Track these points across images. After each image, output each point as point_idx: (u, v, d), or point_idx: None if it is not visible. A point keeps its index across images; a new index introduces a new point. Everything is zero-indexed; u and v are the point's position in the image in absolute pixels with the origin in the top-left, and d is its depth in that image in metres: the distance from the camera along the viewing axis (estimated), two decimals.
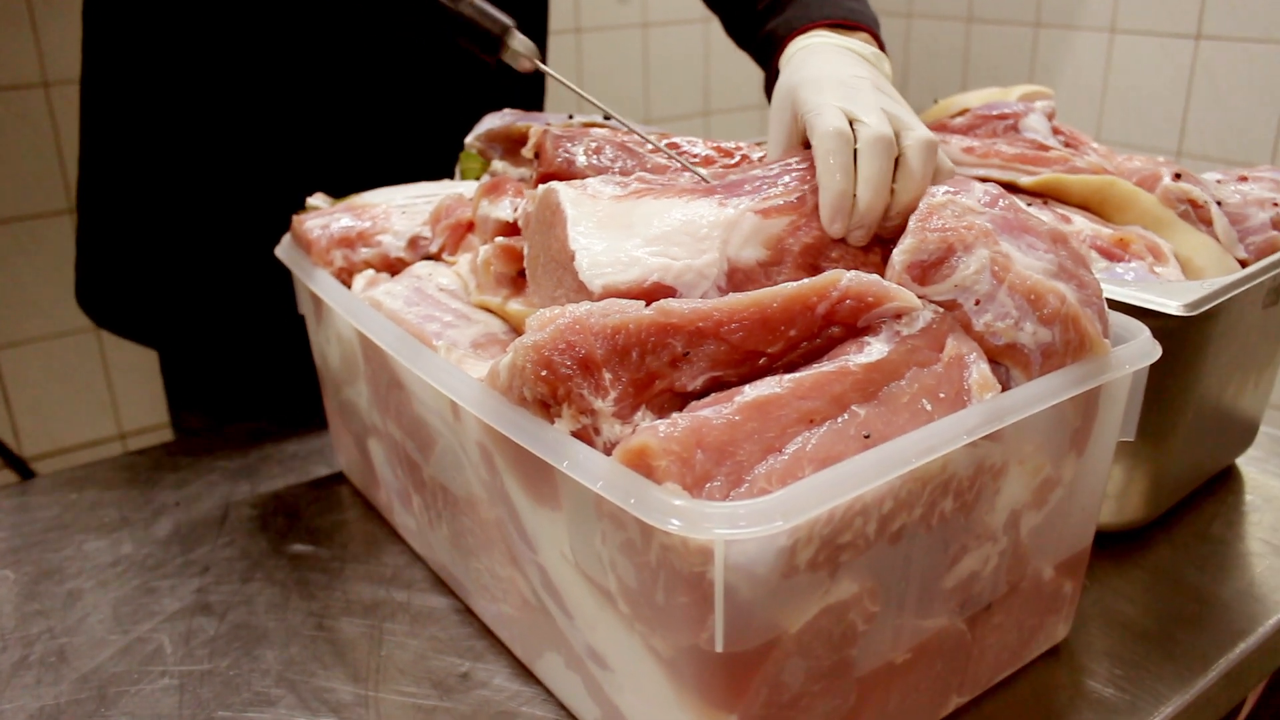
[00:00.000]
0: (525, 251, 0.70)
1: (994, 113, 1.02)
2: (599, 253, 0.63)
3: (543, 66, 0.83)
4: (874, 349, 0.59)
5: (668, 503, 0.50)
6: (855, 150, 0.68)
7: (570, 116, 0.92)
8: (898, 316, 0.61)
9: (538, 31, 1.19)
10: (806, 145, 0.73)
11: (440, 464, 0.76)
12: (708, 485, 0.51)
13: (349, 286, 0.87)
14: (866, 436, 0.55)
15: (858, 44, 0.86)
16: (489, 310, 0.80)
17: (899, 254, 0.63)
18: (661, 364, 0.58)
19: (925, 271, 0.62)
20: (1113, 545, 0.86)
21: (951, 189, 0.67)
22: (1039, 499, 0.66)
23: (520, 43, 0.82)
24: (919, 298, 0.62)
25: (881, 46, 0.91)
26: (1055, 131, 1.01)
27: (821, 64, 0.78)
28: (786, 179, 0.69)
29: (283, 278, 0.96)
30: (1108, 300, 0.67)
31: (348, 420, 0.94)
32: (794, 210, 0.68)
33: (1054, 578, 0.71)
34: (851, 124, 0.69)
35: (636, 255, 0.64)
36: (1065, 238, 0.68)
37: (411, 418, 0.77)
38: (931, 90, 2.46)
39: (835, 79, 0.74)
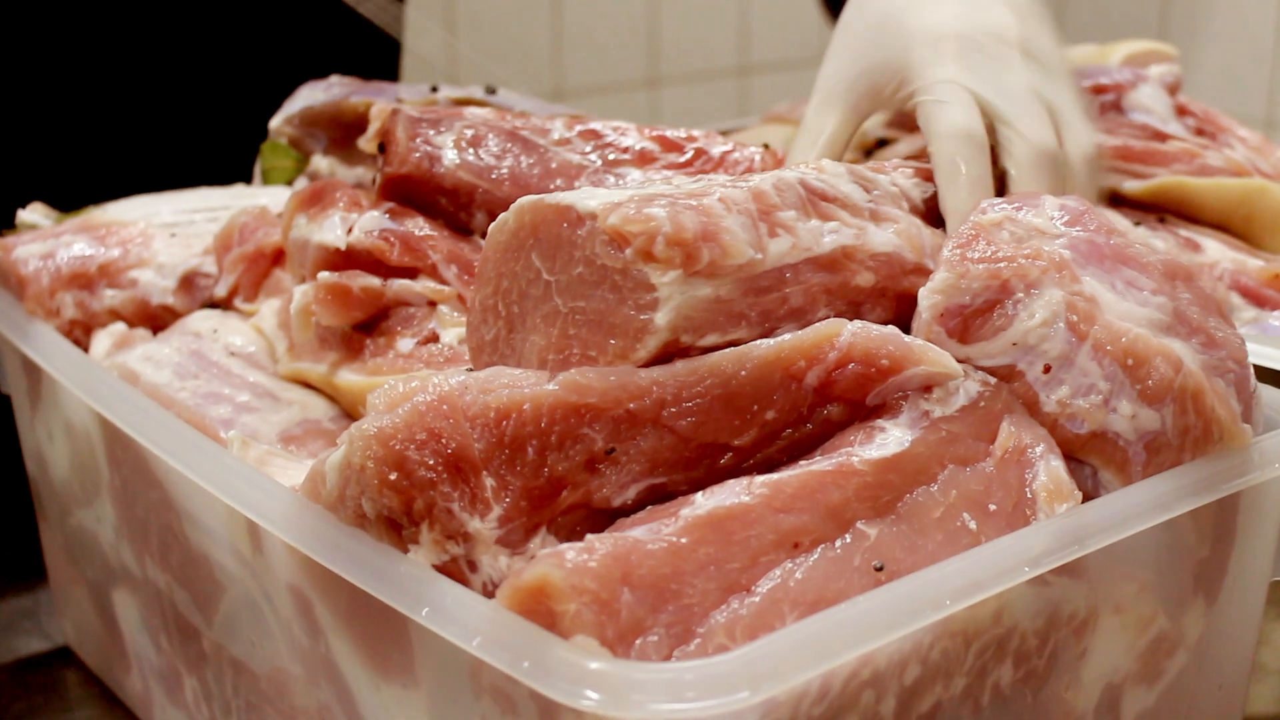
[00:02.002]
0: (475, 300, 0.70)
1: (1087, 83, 1.06)
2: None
3: None
4: (891, 438, 0.62)
5: (580, 666, 0.52)
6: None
7: (434, 89, 0.97)
8: (927, 389, 0.64)
9: None
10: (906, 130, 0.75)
11: (231, 625, 0.77)
12: (640, 640, 0.54)
13: (86, 349, 0.89)
14: (879, 568, 0.58)
15: None
16: (307, 384, 0.83)
17: (928, 295, 0.66)
18: (573, 465, 0.60)
19: (968, 322, 0.66)
20: None
21: (1011, 201, 0.71)
22: (1150, 668, 0.68)
23: None
24: (958, 361, 0.65)
25: None
26: (1181, 111, 1.05)
27: None
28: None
29: None
30: (1255, 367, 0.70)
31: (80, 562, 0.95)
32: None
33: None
34: (984, 112, 0.72)
35: None
36: (1189, 273, 0.71)
37: (186, 554, 0.79)
38: None
39: (967, 37, 0.74)
